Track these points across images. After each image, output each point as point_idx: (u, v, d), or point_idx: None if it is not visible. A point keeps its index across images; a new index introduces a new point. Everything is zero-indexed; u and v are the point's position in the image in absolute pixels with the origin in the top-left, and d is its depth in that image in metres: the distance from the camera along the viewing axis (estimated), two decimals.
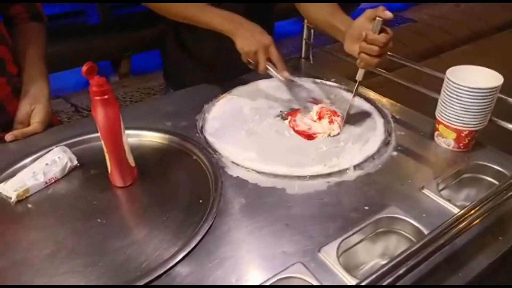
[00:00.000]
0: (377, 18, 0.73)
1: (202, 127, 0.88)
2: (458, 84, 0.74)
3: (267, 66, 0.87)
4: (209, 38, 0.95)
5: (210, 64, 1.09)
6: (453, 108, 0.76)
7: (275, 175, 0.74)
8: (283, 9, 1.14)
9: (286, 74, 0.88)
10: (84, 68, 0.60)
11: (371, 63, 0.77)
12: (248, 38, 0.85)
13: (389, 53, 1.01)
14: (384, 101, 0.99)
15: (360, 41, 0.76)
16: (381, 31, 0.74)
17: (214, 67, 1.10)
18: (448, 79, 0.75)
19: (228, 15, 0.88)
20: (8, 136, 0.84)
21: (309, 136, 0.84)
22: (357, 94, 0.90)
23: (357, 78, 0.83)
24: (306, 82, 1.04)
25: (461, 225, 0.53)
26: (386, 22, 0.73)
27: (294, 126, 0.87)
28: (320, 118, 0.87)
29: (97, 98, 0.63)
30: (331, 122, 0.85)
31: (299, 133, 0.85)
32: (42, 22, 0.98)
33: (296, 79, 0.93)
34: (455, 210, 0.66)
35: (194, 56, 1.10)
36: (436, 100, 0.81)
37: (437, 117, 0.81)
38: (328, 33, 0.90)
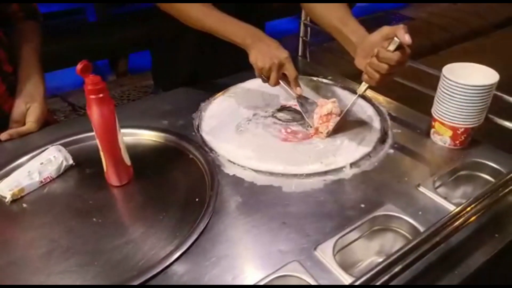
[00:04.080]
0: (395, 39, 0.67)
1: (198, 126, 0.88)
2: (454, 82, 0.74)
3: (280, 81, 0.85)
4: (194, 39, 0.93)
5: (195, 67, 1.09)
6: (449, 105, 0.76)
7: (272, 173, 0.74)
8: (280, 7, 1.14)
9: (299, 91, 0.86)
10: (79, 66, 0.60)
11: (375, 78, 0.72)
12: (264, 53, 0.82)
13: None
14: (380, 99, 0.99)
15: (371, 57, 0.72)
16: (398, 48, 0.68)
17: (204, 71, 1.09)
18: (444, 76, 0.75)
19: (249, 29, 0.86)
20: (3, 135, 0.84)
21: (305, 136, 0.84)
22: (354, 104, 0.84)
23: (358, 91, 0.78)
24: (303, 81, 1.04)
25: (457, 223, 0.53)
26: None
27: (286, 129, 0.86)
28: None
29: (92, 96, 0.63)
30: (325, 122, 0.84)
31: (294, 133, 0.85)
32: (37, 21, 0.97)
33: (308, 98, 0.89)
34: (451, 208, 0.66)
35: (182, 57, 1.10)
36: (433, 97, 0.81)
37: (433, 114, 0.81)
38: (336, 38, 0.85)
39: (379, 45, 0.70)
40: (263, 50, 0.83)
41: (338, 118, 0.82)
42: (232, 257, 0.59)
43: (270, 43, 0.84)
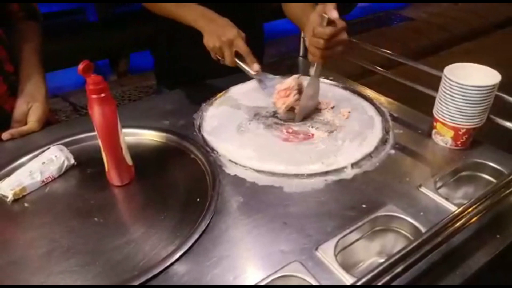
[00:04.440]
0: (323, 15, 0.73)
1: (200, 126, 0.88)
2: (456, 82, 0.73)
3: (236, 60, 0.85)
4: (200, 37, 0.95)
5: (201, 66, 1.09)
6: (451, 106, 0.76)
7: (273, 174, 0.74)
8: (279, 7, 1.14)
9: (256, 67, 0.86)
10: (81, 66, 0.60)
11: (316, 54, 0.78)
12: (213, 33, 0.83)
13: (386, 51, 1.02)
14: (382, 99, 0.99)
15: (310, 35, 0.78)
16: (330, 23, 0.73)
17: (205, 69, 1.09)
18: (446, 77, 0.75)
19: (202, 12, 0.87)
20: (5, 135, 0.84)
21: (306, 136, 0.84)
22: (311, 90, 0.87)
23: (310, 72, 0.83)
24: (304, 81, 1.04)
25: (458, 223, 0.53)
26: (344, 16, 0.74)
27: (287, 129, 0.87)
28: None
29: (94, 96, 0.63)
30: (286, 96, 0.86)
31: (295, 133, 0.85)
32: (38, 21, 0.97)
33: (268, 74, 0.90)
34: (453, 208, 0.65)
35: (186, 55, 1.10)
36: (434, 98, 0.81)
37: (434, 115, 0.81)
38: (300, 29, 0.92)
39: (315, 22, 0.76)
40: (213, 30, 0.84)
41: (297, 96, 0.85)
42: (233, 257, 0.59)
43: (220, 23, 0.85)
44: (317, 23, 0.75)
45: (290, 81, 0.85)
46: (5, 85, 0.87)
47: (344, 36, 0.76)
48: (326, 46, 0.76)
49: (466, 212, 0.54)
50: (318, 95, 0.91)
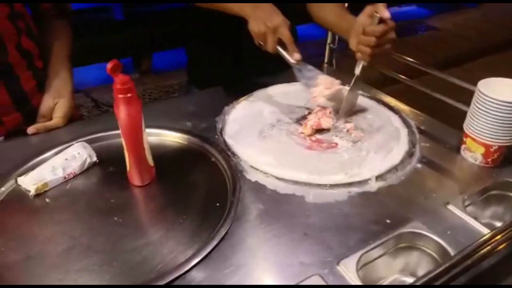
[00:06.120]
0: (375, 14, 0.77)
1: (221, 129, 0.87)
2: (490, 97, 0.71)
3: (278, 47, 0.84)
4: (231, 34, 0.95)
5: (233, 61, 1.09)
6: (483, 121, 0.73)
7: (295, 182, 0.72)
8: (301, 12, 1.13)
9: (297, 56, 0.85)
10: (109, 65, 0.60)
11: (366, 52, 0.81)
12: (259, 18, 0.83)
13: (410, 59, 1.00)
14: (407, 110, 0.96)
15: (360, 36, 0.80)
16: (381, 22, 0.77)
17: (237, 64, 1.09)
18: (480, 91, 0.73)
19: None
20: (30, 129, 0.85)
21: (330, 145, 0.83)
22: (356, 89, 0.91)
23: (355, 72, 0.85)
24: None
25: (489, 247, 0.51)
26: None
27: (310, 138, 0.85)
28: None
29: (121, 96, 0.63)
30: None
31: (319, 141, 0.84)
32: (68, 19, 0.99)
33: (307, 65, 0.89)
34: (481, 228, 0.63)
35: (218, 53, 1.10)
36: (460, 110, 0.78)
37: (465, 130, 0.78)
38: (336, 33, 0.95)
39: (365, 23, 0.79)
40: (259, 16, 0.83)
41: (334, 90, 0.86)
42: (252, 266, 0.58)
43: (267, 9, 0.84)
44: (368, 23, 0.78)
45: (333, 79, 0.87)
46: (34, 80, 0.88)
47: (393, 35, 0.79)
48: (377, 44, 0.78)
49: (498, 237, 0.52)
50: (359, 93, 0.94)
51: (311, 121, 0.86)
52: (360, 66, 0.85)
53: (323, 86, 0.86)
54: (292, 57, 0.85)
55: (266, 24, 0.81)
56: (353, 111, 0.93)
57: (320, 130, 0.86)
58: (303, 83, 0.87)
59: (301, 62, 0.86)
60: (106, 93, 2.67)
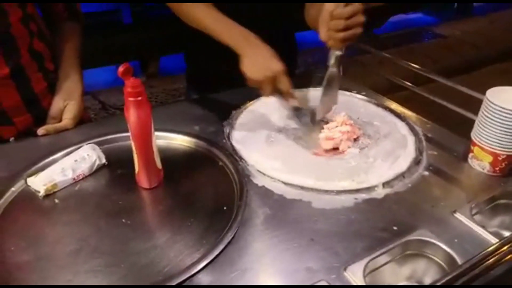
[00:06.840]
0: None
1: (229, 133, 0.88)
2: (499, 106, 0.71)
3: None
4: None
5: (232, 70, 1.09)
6: (492, 130, 0.73)
7: (302, 187, 0.73)
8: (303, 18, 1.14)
9: (292, 102, 0.85)
10: (121, 69, 0.61)
11: (336, 38, 0.75)
12: (257, 64, 0.79)
13: (417, 66, 0.99)
14: (413, 117, 0.96)
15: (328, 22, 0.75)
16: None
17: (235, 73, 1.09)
18: (488, 100, 0.72)
19: (244, 32, 0.83)
20: (40, 131, 0.86)
21: (337, 151, 0.83)
22: (332, 84, 0.85)
23: (328, 63, 0.80)
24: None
25: (498, 256, 0.51)
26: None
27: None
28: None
29: (131, 99, 0.64)
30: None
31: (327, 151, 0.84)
32: (79, 22, 1.00)
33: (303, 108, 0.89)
34: (489, 237, 0.63)
35: (217, 60, 1.10)
36: (466, 118, 0.78)
37: (472, 138, 0.78)
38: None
39: (333, 9, 0.74)
40: (256, 61, 0.79)
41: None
42: (258, 271, 0.58)
43: (264, 53, 0.80)
44: (335, 8, 0.74)
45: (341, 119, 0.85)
46: (45, 82, 0.89)
47: (361, 17, 0.75)
48: (346, 26, 0.74)
49: (506, 247, 0.51)
50: (338, 89, 0.88)
51: (336, 140, 0.83)
52: (334, 57, 0.80)
53: (328, 125, 0.86)
54: (288, 103, 0.85)
55: (264, 73, 0.78)
56: (331, 108, 0.89)
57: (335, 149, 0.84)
58: (302, 122, 0.88)
59: (297, 106, 0.87)
60: (113, 96, 2.69)
